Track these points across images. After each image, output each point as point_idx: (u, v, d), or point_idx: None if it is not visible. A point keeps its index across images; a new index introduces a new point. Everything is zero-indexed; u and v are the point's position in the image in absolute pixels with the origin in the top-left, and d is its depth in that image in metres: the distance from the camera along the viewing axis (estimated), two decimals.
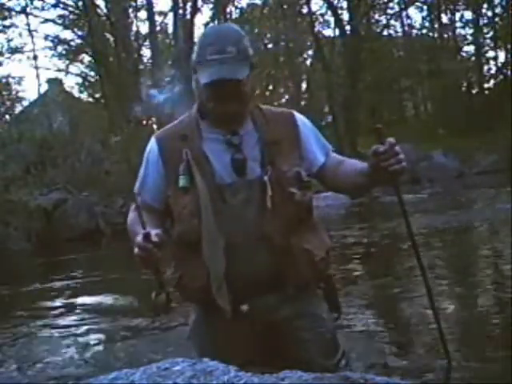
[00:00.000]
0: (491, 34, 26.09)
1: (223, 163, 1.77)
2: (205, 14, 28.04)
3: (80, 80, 27.18)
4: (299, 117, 1.92)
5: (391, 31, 29.08)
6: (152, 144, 1.88)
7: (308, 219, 1.83)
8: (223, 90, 1.72)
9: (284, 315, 1.78)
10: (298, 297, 1.79)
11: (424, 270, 1.88)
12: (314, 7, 27.45)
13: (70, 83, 27.78)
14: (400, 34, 29.06)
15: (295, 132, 1.85)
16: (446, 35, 27.93)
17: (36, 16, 21.58)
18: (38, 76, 30.25)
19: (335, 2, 25.29)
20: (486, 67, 26.82)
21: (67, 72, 25.76)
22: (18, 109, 26.17)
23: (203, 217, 1.72)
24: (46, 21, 21.53)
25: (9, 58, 22.71)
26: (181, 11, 20.81)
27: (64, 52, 24.27)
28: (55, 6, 20.75)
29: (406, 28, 28.51)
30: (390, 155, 1.63)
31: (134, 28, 23.83)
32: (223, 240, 1.71)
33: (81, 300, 5.21)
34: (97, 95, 26.15)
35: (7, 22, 21.28)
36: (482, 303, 3.93)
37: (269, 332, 1.77)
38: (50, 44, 23.27)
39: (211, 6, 23.67)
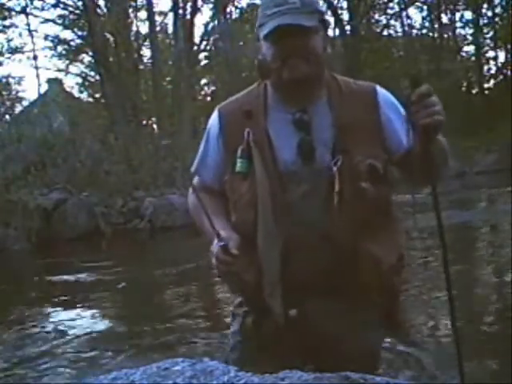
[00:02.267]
0: (491, 34, 26.08)
1: (289, 147, 1.54)
2: (205, 14, 28.10)
3: (80, 80, 27.16)
4: (382, 93, 1.62)
5: (391, 31, 29.08)
6: (214, 118, 1.67)
7: (382, 218, 1.57)
8: (287, 44, 1.48)
9: (331, 326, 1.56)
10: (354, 308, 1.56)
11: (450, 285, 1.47)
12: None
13: (70, 83, 27.82)
14: (400, 34, 29.03)
15: (376, 113, 1.57)
16: (446, 35, 27.90)
17: (36, 16, 21.55)
18: (38, 76, 30.17)
19: (335, 2, 25.29)
20: (486, 67, 26.83)
21: (67, 72, 25.75)
22: (18, 109, 26.14)
23: (260, 211, 1.52)
24: (46, 21, 21.52)
25: (9, 58, 22.67)
26: (181, 11, 20.78)
27: (64, 52, 24.26)
28: (55, 6, 20.71)
29: (406, 28, 28.49)
30: (419, 106, 1.37)
31: (134, 28, 23.83)
32: (281, 239, 1.51)
33: (79, 300, 5.20)
34: (97, 95, 26.11)
35: (7, 22, 21.25)
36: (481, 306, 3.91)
37: (313, 339, 1.57)
38: (50, 44, 23.26)
39: (211, 5, 23.66)
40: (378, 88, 1.63)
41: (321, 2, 30.55)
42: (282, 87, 1.57)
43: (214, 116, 1.66)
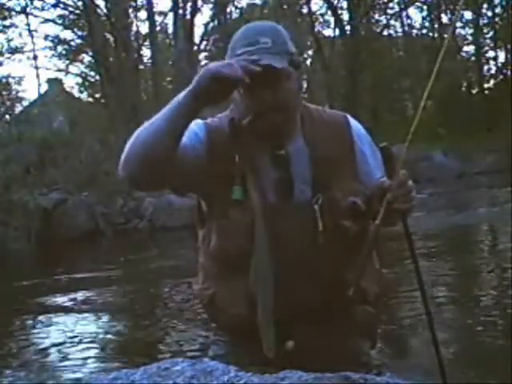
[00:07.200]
0: (491, 33, 26.08)
1: (268, 182, 1.51)
2: (205, 14, 28.11)
3: (80, 80, 27.16)
4: (355, 126, 1.62)
5: (391, 31, 29.07)
6: (200, 127, 1.53)
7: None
8: (258, 87, 1.41)
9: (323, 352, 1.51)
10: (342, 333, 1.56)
11: (425, 293, 1.53)
12: (314, 7, 27.42)
13: (70, 83, 27.79)
14: (400, 34, 29.02)
15: (352, 148, 1.58)
16: (446, 35, 27.89)
17: (36, 16, 21.54)
18: (38, 76, 30.00)
19: (335, 2, 25.28)
20: (486, 67, 26.82)
21: (67, 72, 25.74)
22: (18, 109, 26.15)
23: (257, 239, 1.47)
24: (46, 21, 21.52)
25: (9, 58, 22.65)
26: (181, 11, 20.78)
27: (64, 52, 24.25)
28: (55, 5, 20.72)
29: (406, 28, 28.48)
30: (399, 193, 1.42)
31: (134, 28, 23.83)
32: (272, 270, 1.47)
33: (79, 300, 5.21)
34: (97, 95, 26.12)
35: (7, 22, 21.24)
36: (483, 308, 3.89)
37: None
38: (50, 44, 23.25)
39: (211, 5, 23.67)
40: (350, 119, 1.63)
41: (321, 2, 30.66)
42: (255, 130, 1.50)
43: (200, 126, 1.54)
